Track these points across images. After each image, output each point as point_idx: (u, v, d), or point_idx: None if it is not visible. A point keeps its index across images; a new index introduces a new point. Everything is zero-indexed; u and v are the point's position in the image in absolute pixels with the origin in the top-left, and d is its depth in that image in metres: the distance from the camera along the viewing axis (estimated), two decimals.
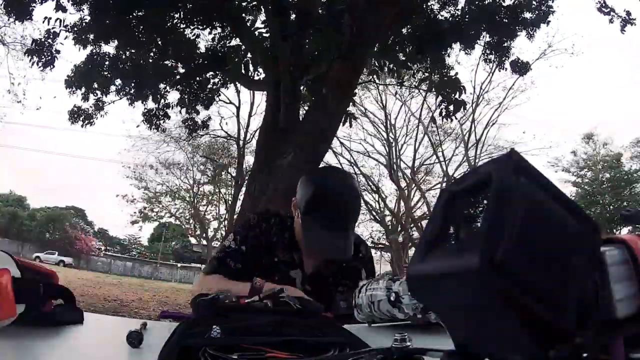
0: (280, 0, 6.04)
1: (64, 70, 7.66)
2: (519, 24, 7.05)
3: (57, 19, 6.94)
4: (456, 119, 7.53)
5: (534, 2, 7.06)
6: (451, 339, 0.39)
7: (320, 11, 6.49)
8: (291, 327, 0.69)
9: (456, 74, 7.13)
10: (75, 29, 7.10)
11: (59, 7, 6.89)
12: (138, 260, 36.78)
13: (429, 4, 7.00)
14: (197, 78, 8.00)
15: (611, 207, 21.74)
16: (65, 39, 7.27)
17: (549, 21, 7.30)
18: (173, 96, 8.42)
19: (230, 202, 19.76)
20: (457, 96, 6.73)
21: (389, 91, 16.81)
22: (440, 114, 6.89)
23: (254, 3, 6.93)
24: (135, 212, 26.68)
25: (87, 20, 7.02)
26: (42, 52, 7.16)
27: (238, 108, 17.79)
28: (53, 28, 7.08)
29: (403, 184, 18.83)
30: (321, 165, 5.63)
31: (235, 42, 7.75)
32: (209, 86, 8.30)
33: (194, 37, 7.68)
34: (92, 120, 8.28)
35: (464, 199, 0.37)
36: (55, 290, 0.84)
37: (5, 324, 0.63)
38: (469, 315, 0.35)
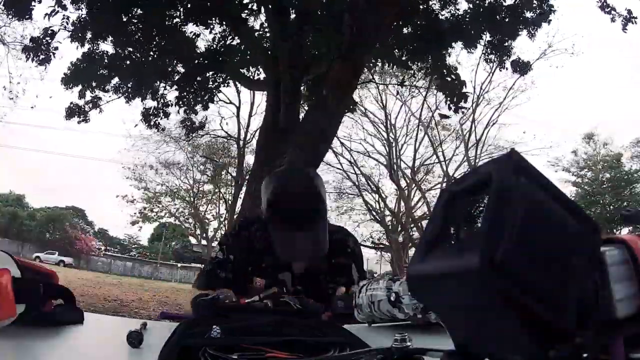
0: (281, 0, 6.03)
1: (64, 69, 7.67)
2: (520, 23, 7.05)
3: (54, 10, 6.92)
4: (463, 112, 7.52)
5: (534, 2, 7.06)
6: (451, 339, 0.39)
7: (320, 11, 6.49)
8: (291, 327, 0.69)
9: (455, 68, 7.13)
10: (74, 26, 7.09)
11: (59, 5, 6.89)
12: (138, 260, 36.78)
13: (429, 3, 7.00)
14: (197, 77, 7.99)
15: (611, 207, 21.74)
16: (64, 39, 7.28)
17: (550, 20, 7.31)
18: (172, 95, 8.42)
19: (230, 202, 19.78)
20: (459, 91, 6.75)
21: (389, 91, 16.83)
22: (449, 108, 6.90)
23: (254, 3, 6.93)
24: (135, 212, 26.68)
25: (85, 18, 7.02)
26: (39, 49, 7.17)
27: (238, 108, 17.82)
28: (51, 26, 7.08)
29: (403, 184, 18.84)
30: (321, 164, 5.63)
31: (235, 41, 7.76)
32: (209, 85, 8.30)
33: (193, 36, 7.68)
34: (87, 118, 8.28)
35: (464, 199, 0.37)
36: (55, 290, 0.84)
37: (5, 324, 0.63)
38: (469, 315, 0.35)
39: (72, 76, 7.57)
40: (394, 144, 18.31)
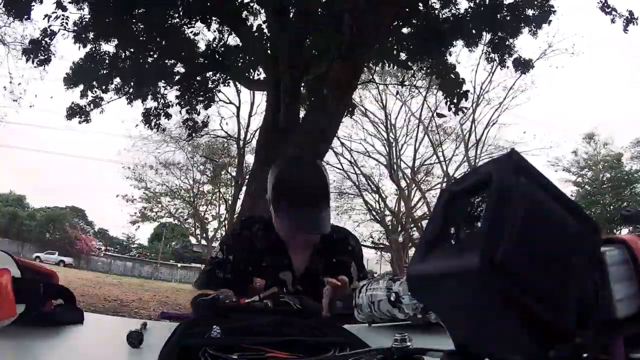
0: (281, 0, 6.04)
1: (65, 69, 7.67)
2: (521, 21, 7.05)
3: (56, 15, 6.93)
4: (463, 112, 7.52)
5: (535, 1, 7.06)
6: (451, 339, 0.39)
7: (320, 11, 6.49)
8: (291, 327, 0.69)
9: (455, 67, 7.13)
10: (75, 27, 7.10)
11: (59, 6, 6.89)
12: (138, 260, 36.78)
13: (429, 3, 6.99)
14: (197, 77, 8.00)
15: (611, 207, 21.74)
16: (64, 37, 7.28)
17: (550, 20, 7.31)
18: (173, 95, 8.42)
19: (230, 202, 19.77)
20: (459, 90, 6.75)
21: (389, 91, 16.84)
22: (450, 109, 6.90)
23: (254, 3, 6.93)
24: (135, 212, 26.69)
25: (87, 19, 7.03)
26: (38, 50, 7.17)
27: (238, 108, 17.82)
28: (50, 26, 7.08)
29: (403, 184, 18.85)
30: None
31: (235, 41, 7.76)
32: (209, 85, 8.30)
33: (193, 36, 7.69)
34: (88, 118, 8.28)
35: (464, 199, 0.37)
36: (55, 290, 0.84)
37: (5, 324, 0.63)
38: (469, 315, 0.35)
39: (73, 76, 7.57)
40: (394, 144, 18.32)
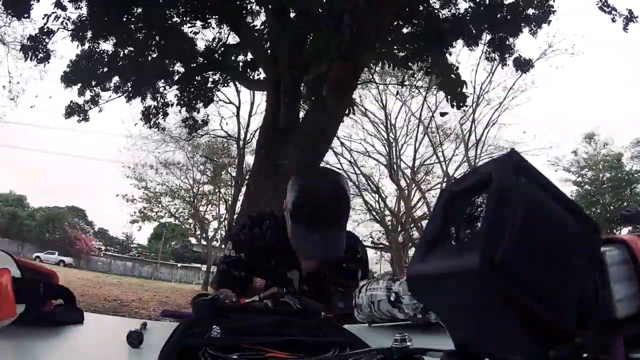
0: (281, 0, 6.03)
1: (64, 69, 7.67)
2: (522, 21, 7.06)
3: (56, 15, 6.93)
4: (463, 110, 7.55)
5: (535, 1, 7.06)
6: (451, 339, 0.39)
7: (320, 11, 6.49)
8: (291, 327, 0.69)
9: (456, 68, 7.13)
10: (74, 25, 7.09)
11: (58, 5, 6.89)
12: (138, 260, 36.78)
13: (429, 3, 7.00)
14: (197, 77, 7.99)
15: (611, 207, 21.74)
16: (63, 38, 7.28)
17: (550, 20, 7.31)
18: (172, 95, 8.42)
19: (230, 202, 19.77)
20: (460, 90, 6.75)
21: (389, 91, 16.84)
22: (452, 105, 6.91)
23: (254, 3, 6.93)
24: (135, 212, 26.68)
25: (85, 18, 7.02)
26: (37, 47, 7.16)
27: (238, 108, 17.83)
28: (46, 24, 7.08)
29: (403, 184, 18.84)
30: (321, 164, 5.62)
31: (235, 41, 7.75)
32: (209, 85, 8.30)
33: (193, 35, 7.69)
34: (87, 117, 8.27)
35: (464, 199, 0.37)
36: (55, 290, 0.84)
37: (5, 324, 0.63)
38: (469, 315, 0.35)
39: (72, 74, 7.57)
40: (394, 144, 18.32)
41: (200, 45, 7.90)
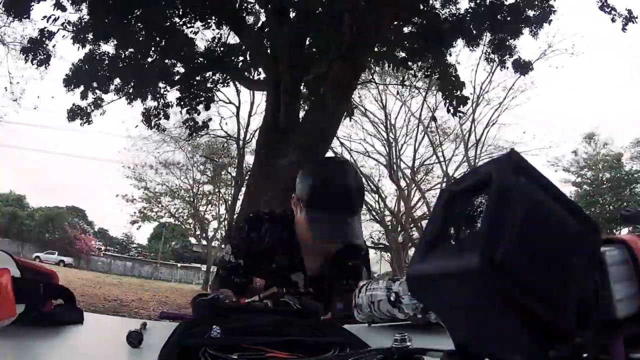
0: (281, 0, 6.04)
1: (64, 70, 7.67)
2: (522, 22, 7.06)
3: (54, 17, 6.93)
4: (460, 116, 7.54)
5: (535, 1, 7.07)
6: (451, 339, 0.38)
7: (320, 11, 6.49)
8: (291, 327, 0.69)
9: (455, 69, 7.14)
10: (74, 27, 7.10)
11: (59, 6, 6.89)
12: (138, 260, 36.78)
13: (429, 3, 7.00)
14: (197, 77, 8.00)
15: (611, 207, 21.74)
16: (63, 37, 7.28)
17: (550, 20, 7.31)
18: (173, 95, 8.42)
19: (230, 202, 19.76)
20: (459, 93, 6.75)
21: (389, 91, 16.84)
22: (448, 111, 6.91)
23: (254, 3, 6.93)
24: (135, 212, 26.69)
25: (86, 20, 7.03)
26: (37, 50, 7.17)
27: (238, 108, 17.82)
28: (46, 27, 7.09)
29: (403, 184, 18.84)
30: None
31: (235, 41, 7.75)
32: (209, 85, 8.30)
33: (193, 36, 7.69)
34: (90, 119, 8.29)
35: (464, 199, 0.37)
36: (55, 290, 0.84)
37: (5, 324, 0.63)
38: (469, 315, 0.35)
39: (73, 77, 7.57)
40: (393, 144, 18.32)
41: (200, 45, 7.91)
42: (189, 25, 7.39)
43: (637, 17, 6.84)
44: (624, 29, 6.91)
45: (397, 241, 18.39)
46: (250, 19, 7.37)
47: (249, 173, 11.24)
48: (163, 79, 7.82)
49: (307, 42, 6.42)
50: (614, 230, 17.99)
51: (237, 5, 6.87)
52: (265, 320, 0.71)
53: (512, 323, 0.31)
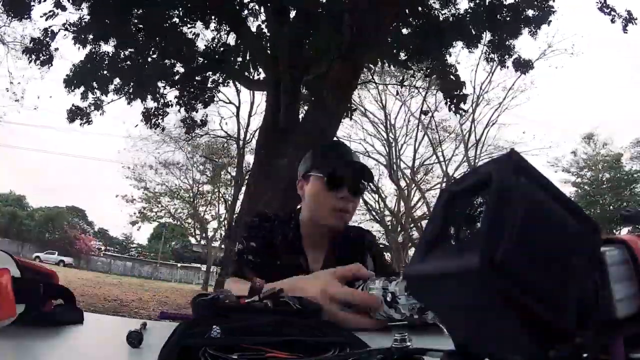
0: (281, 0, 6.04)
1: (64, 70, 7.68)
2: (521, 22, 7.07)
3: (55, 14, 6.93)
4: (462, 114, 7.56)
5: (535, 1, 7.07)
6: (451, 339, 0.39)
7: (320, 11, 6.50)
8: (291, 327, 0.69)
9: (455, 69, 7.14)
10: (75, 27, 7.10)
11: (59, 6, 6.90)
12: (138, 260, 36.79)
13: (429, 3, 7.00)
14: (197, 77, 8.00)
15: (611, 207, 21.75)
16: (64, 37, 7.28)
17: (550, 21, 7.31)
18: (173, 95, 8.42)
19: (230, 202, 19.76)
20: (459, 92, 6.76)
21: (389, 91, 16.85)
22: (450, 109, 6.93)
23: (254, 3, 6.93)
24: (134, 212, 26.70)
25: (86, 20, 7.03)
26: (40, 50, 7.18)
27: (238, 108, 17.83)
28: (51, 27, 7.09)
29: (403, 184, 18.85)
30: None
31: (235, 41, 7.75)
32: (209, 85, 8.30)
33: (193, 36, 7.69)
34: (90, 120, 8.29)
35: (464, 199, 0.37)
36: (55, 290, 0.84)
37: (5, 324, 0.63)
38: (469, 315, 0.35)
39: (74, 78, 7.58)
40: (393, 144, 18.33)
41: (200, 45, 7.91)
42: (189, 25, 7.39)
43: (636, 19, 6.85)
44: (624, 30, 6.92)
45: (397, 241, 18.40)
46: (250, 19, 7.36)
47: (249, 173, 11.24)
48: (163, 79, 7.82)
49: (307, 42, 6.42)
50: (614, 230, 17.99)
51: (237, 5, 6.87)
52: (265, 320, 0.71)
53: (512, 323, 0.31)
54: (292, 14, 6.43)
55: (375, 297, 0.93)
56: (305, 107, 6.69)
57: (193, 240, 33.74)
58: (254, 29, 6.95)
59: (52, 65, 7.40)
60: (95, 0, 6.74)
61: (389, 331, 0.90)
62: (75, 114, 8.16)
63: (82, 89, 7.70)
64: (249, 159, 17.02)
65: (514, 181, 0.32)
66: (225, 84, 9.18)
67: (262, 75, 7.68)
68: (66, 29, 7.16)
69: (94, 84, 7.76)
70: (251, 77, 8.06)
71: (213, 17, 7.23)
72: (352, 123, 17.10)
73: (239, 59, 7.56)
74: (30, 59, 7.22)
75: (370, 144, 19.14)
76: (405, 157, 19.10)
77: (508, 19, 6.92)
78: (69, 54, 7.95)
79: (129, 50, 7.43)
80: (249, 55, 7.37)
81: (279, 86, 5.90)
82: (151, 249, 38.68)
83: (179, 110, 8.65)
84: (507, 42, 7.38)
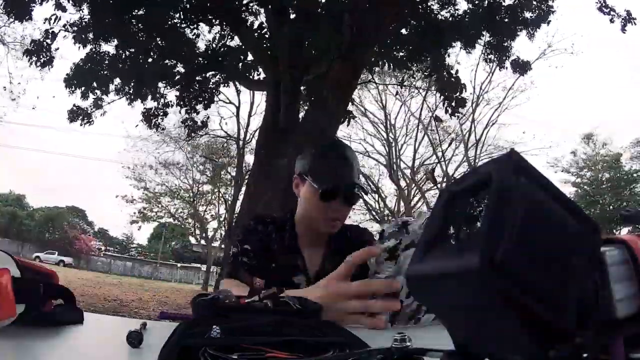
0: (281, 0, 6.04)
1: (65, 70, 7.68)
2: (520, 23, 7.07)
3: (56, 17, 6.94)
4: (458, 116, 7.57)
5: (534, 2, 7.07)
6: (451, 339, 0.38)
7: (320, 11, 6.49)
8: (291, 327, 0.69)
9: (457, 71, 7.14)
10: (75, 28, 7.10)
11: (59, 7, 6.90)
12: (138, 260, 36.79)
13: (429, 3, 7.00)
14: (197, 78, 8.00)
15: (611, 207, 21.75)
16: (64, 37, 7.28)
17: (549, 21, 7.32)
18: (173, 95, 8.41)
19: (230, 202, 19.76)
20: (458, 95, 6.76)
21: (389, 91, 16.85)
22: (446, 112, 6.93)
23: (254, 3, 6.93)
24: (134, 212, 26.69)
25: (87, 20, 7.03)
26: (40, 51, 7.18)
27: (238, 108, 17.83)
28: (52, 28, 7.09)
29: (403, 183, 18.85)
30: None
31: (235, 41, 7.75)
32: (209, 85, 8.30)
33: (193, 36, 7.69)
34: (91, 120, 8.29)
35: (464, 199, 0.37)
36: (55, 290, 0.84)
37: (5, 324, 0.63)
38: (469, 315, 0.35)
39: (74, 78, 7.58)
40: (393, 144, 18.33)
41: (201, 45, 7.91)
42: (189, 25, 7.39)
43: (635, 19, 6.85)
44: (623, 30, 6.92)
45: None
46: (250, 19, 7.36)
47: (249, 173, 11.24)
48: (163, 79, 7.82)
49: (307, 42, 6.42)
50: (614, 230, 17.99)
51: (237, 5, 6.87)
52: (265, 320, 0.71)
53: (512, 323, 0.31)
54: (292, 14, 6.43)
55: (390, 282, 0.92)
56: (305, 107, 6.69)
57: (193, 240, 33.76)
58: (254, 29, 6.95)
59: (52, 66, 7.41)
60: (95, 0, 6.74)
61: (389, 331, 0.90)
62: (76, 114, 8.16)
63: (82, 88, 7.70)
64: (249, 159, 17.04)
65: (514, 181, 0.32)
66: (226, 85, 9.18)
67: (262, 75, 7.68)
68: (66, 30, 7.17)
69: (95, 84, 7.76)
70: (251, 77, 8.07)
71: (213, 17, 7.22)
72: (352, 123, 17.09)
73: (240, 59, 7.56)
74: (30, 60, 7.22)
75: (370, 144, 19.14)
76: (405, 157, 19.12)
77: (506, 20, 6.92)
78: (69, 53, 7.95)
79: (130, 50, 7.43)
80: (249, 55, 7.37)
81: (279, 86, 5.89)
82: (151, 249, 38.67)
83: (179, 111, 8.66)
84: (504, 44, 7.39)
